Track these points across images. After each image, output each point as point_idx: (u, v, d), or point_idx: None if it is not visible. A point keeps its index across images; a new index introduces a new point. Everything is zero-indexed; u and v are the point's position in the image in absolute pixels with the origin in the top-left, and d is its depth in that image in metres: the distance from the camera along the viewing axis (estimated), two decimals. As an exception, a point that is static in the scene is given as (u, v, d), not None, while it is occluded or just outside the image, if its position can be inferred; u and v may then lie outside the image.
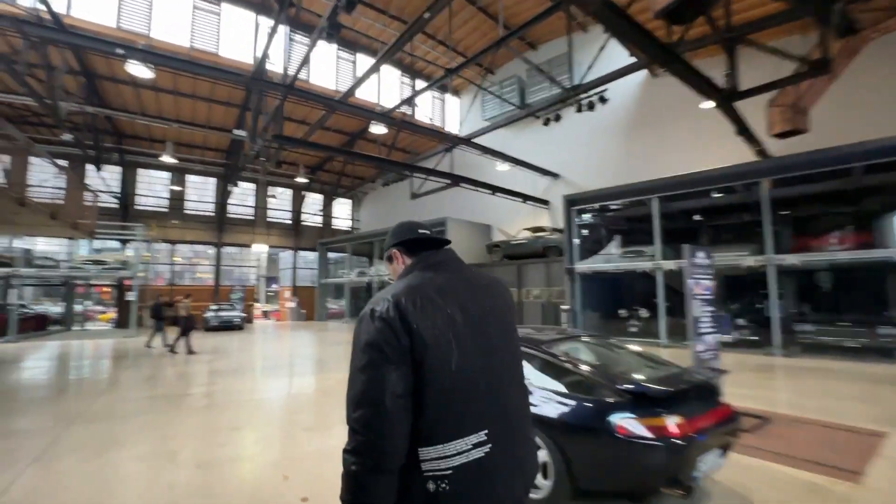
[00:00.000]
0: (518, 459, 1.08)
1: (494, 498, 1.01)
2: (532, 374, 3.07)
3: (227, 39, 13.87)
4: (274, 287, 43.00)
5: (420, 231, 1.30)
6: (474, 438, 1.00)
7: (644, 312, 12.93)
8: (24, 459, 3.68)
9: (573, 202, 13.30)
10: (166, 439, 4.24)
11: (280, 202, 24.00)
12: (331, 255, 24.67)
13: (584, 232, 13.86)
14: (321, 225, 25.50)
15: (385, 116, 11.02)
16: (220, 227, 21.67)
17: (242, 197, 22.92)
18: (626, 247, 13.25)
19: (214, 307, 18.49)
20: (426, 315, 1.02)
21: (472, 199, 19.36)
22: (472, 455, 0.99)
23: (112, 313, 19.93)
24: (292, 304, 23.44)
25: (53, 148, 16.85)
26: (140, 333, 15.44)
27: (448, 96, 20.51)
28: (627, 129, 15.22)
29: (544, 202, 16.75)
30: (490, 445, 1.01)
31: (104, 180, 18.32)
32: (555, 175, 16.54)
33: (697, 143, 13.58)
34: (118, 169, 19.29)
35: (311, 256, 25.29)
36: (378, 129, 11.55)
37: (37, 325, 15.70)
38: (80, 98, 13.21)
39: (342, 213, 26.96)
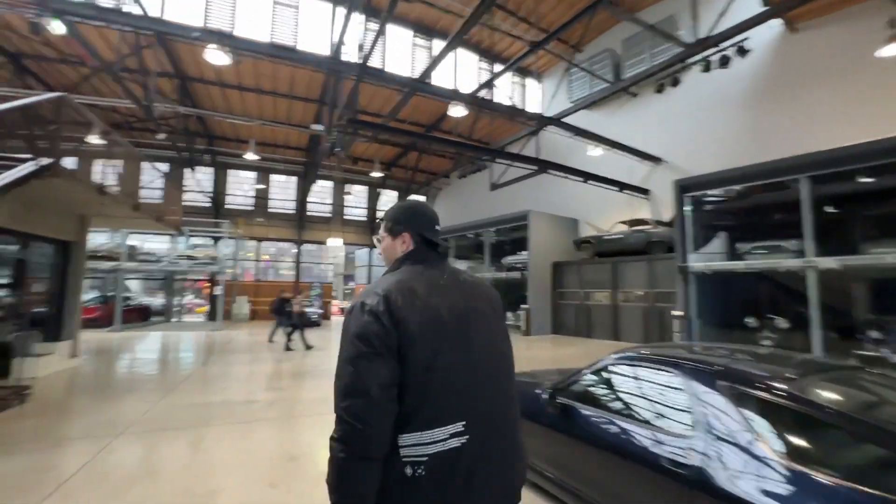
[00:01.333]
0: (499, 456, 1.09)
1: (470, 488, 1.02)
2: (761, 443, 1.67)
3: (305, 33, 13.67)
4: (351, 284, 44.25)
5: (436, 229, 1.30)
6: (451, 429, 1.03)
7: (781, 322, 10.44)
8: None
9: (686, 188, 11.13)
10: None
11: (356, 199, 24.04)
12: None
13: (699, 224, 11.56)
14: (395, 222, 25.17)
15: (465, 95, 9.87)
16: (300, 224, 22.13)
17: (321, 195, 23.27)
18: (757, 241, 10.83)
19: (294, 303, 18.72)
20: (414, 310, 1.07)
21: (554, 191, 17.62)
22: (448, 444, 1.02)
23: (206, 307, 21.16)
24: (367, 302, 23.31)
25: (154, 152, 18.10)
26: (226, 326, 15.95)
27: (529, 81, 18.94)
28: (752, 100, 12.58)
29: (644, 191, 14.56)
30: (467, 437, 1.04)
31: (198, 181, 19.38)
32: (657, 160, 14.29)
33: (852, 111, 10.73)
34: (210, 170, 20.35)
35: (386, 254, 25.06)
36: (457, 111, 10.45)
37: (140, 317, 16.87)
38: (173, 99, 13.74)
39: (416, 210, 26.47)
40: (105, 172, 7.22)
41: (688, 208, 11.08)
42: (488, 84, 12.32)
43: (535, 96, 18.99)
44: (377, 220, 24.17)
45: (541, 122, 10.98)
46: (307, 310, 17.74)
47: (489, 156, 11.40)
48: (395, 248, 1.26)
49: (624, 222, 14.16)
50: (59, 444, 3.81)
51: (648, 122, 14.81)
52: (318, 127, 14.93)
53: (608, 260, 13.82)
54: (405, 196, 25.11)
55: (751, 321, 11.08)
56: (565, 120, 11.81)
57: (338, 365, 1.05)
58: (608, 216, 15.70)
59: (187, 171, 19.42)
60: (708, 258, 10.98)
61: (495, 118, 16.01)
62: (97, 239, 17.38)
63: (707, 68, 9.48)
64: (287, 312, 10.99)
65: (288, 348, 10.25)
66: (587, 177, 12.91)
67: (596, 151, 13.59)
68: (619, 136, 14.00)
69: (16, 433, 4.07)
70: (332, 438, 1.00)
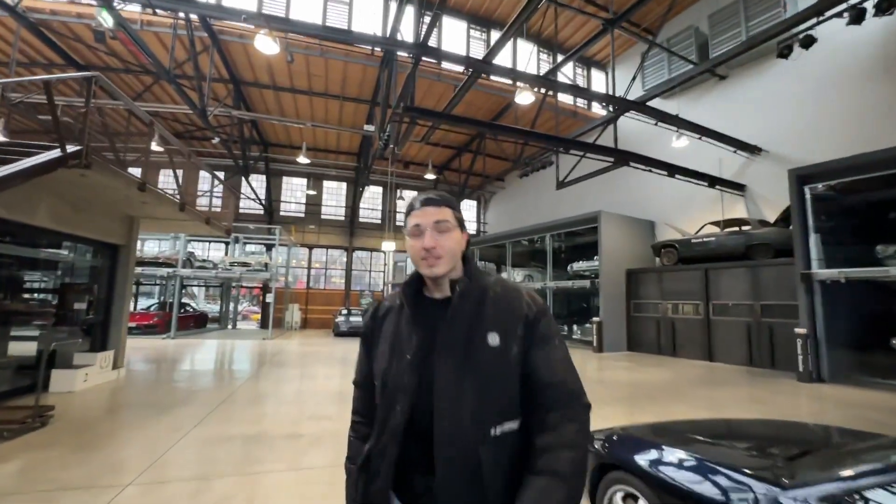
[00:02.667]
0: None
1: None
2: None
3: (358, 26, 13.08)
4: (399, 293, 43.81)
5: None
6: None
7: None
8: None
9: (806, 178, 9.16)
10: None
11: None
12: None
13: (822, 222, 9.46)
14: (447, 228, 24.19)
15: (531, 75, 8.61)
16: (350, 231, 21.71)
17: (372, 201, 22.79)
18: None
19: (344, 312, 18.13)
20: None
21: (624, 191, 15.86)
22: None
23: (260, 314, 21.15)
24: (418, 311, 22.39)
25: (212, 160, 18.31)
26: (277, 335, 15.54)
27: (594, 73, 17.37)
28: (881, 71, 10.30)
29: (738, 187, 12.52)
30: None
31: (253, 189, 19.43)
32: (754, 149, 12.23)
33: None
34: (264, 177, 20.41)
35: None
36: (523, 97, 9.21)
37: (197, 323, 16.90)
38: (227, 105, 13.57)
39: (468, 216, 25.39)
40: (149, 168, 6.66)
41: (810, 204, 9.09)
42: (552, 74, 11.02)
43: (599, 87, 17.36)
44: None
45: (620, 105, 9.45)
46: (356, 319, 17.11)
47: (561, 146, 10.00)
48: (462, 245, 1.09)
49: (715, 223, 12.19)
50: (42, 500, 2.94)
51: (741, 107, 12.79)
52: (370, 128, 14.29)
53: (698, 266, 11.89)
54: (457, 202, 24.09)
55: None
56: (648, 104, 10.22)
57: (564, 352, 1.04)
58: (690, 217, 13.73)
59: (243, 180, 19.54)
60: (837, 263, 8.88)
61: (560, 113, 14.63)
62: (158, 245, 17.78)
63: (854, 20, 7.54)
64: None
65: None
66: (673, 170, 11.16)
67: (681, 142, 11.79)
68: (706, 125, 12.09)
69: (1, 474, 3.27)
70: (579, 433, 0.95)
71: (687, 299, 12.16)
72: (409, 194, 22.89)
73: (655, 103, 11.13)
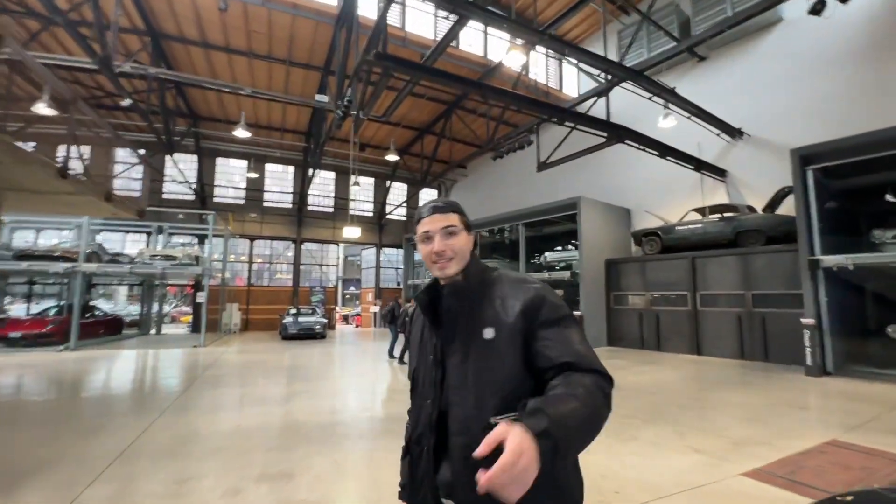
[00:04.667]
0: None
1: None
2: None
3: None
4: (351, 289, 41.46)
5: None
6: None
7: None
8: None
9: (809, 158, 8.58)
10: None
11: (363, 193, 21.31)
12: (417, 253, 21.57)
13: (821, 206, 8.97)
14: (405, 218, 22.52)
15: (526, 31, 7.22)
16: (298, 220, 19.39)
17: (323, 187, 20.55)
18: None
19: (292, 311, 15.97)
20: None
21: (599, 178, 15.08)
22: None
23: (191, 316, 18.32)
24: (376, 309, 20.59)
25: (128, 135, 15.32)
26: (211, 340, 13.15)
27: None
28: (870, 51, 10.05)
29: (720, 172, 12.02)
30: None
31: (181, 171, 16.58)
32: (737, 132, 11.76)
33: None
34: (195, 158, 17.56)
35: (394, 253, 22.40)
36: (513, 58, 7.83)
37: (109, 330, 14.03)
38: (142, 62, 11.03)
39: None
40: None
41: (812, 186, 8.53)
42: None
43: (572, 74, 16.46)
44: (385, 216, 21.48)
45: (617, 72, 8.32)
46: (305, 319, 15.06)
47: (555, 114, 8.72)
48: (470, 245, 1.15)
49: (698, 210, 11.61)
50: None
51: (722, 89, 12.29)
52: (323, 98, 12.29)
53: (684, 255, 11.23)
54: (416, 189, 22.47)
55: (893, 330, 8.54)
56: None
57: (578, 333, 1.03)
58: (668, 205, 13.14)
59: (167, 160, 16.63)
60: (833, 250, 8.39)
61: (533, 91, 13.47)
62: (52, 236, 14.63)
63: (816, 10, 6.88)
64: (402, 321, 9.94)
65: (402, 361, 9.24)
66: (665, 150, 10.32)
67: (668, 122, 11.02)
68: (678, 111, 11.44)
69: None
70: (602, 389, 0.92)
71: (672, 290, 11.49)
72: (366, 181, 20.92)
73: (629, 86, 10.24)
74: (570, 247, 15.50)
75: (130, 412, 5.28)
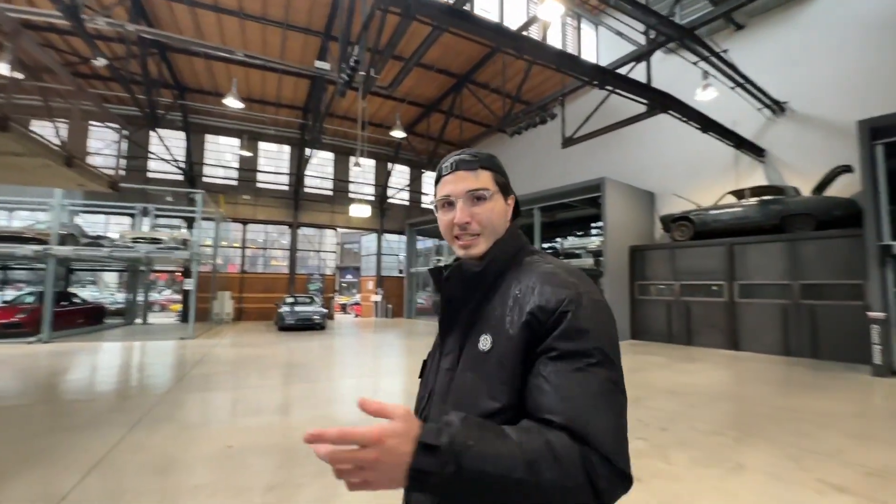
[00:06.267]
0: None
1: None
2: None
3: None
4: (348, 277, 40.35)
5: None
6: None
7: None
8: None
9: (880, 131, 7.57)
10: None
11: (363, 175, 20.10)
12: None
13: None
14: (408, 203, 21.38)
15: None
16: (295, 203, 18.19)
17: (321, 168, 19.31)
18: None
19: (289, 300, 14.89)
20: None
21: (620, 159, 14.06)
22: None
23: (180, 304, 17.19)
24: (377, 298, 19.55)
25: (110, 108, 13.99)
26: (201, 332, 12.05)
27: (584, 27, 15.18)
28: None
29: (758, 151, 11.01)
30: None
31: (167, 147, 15.28)
32: (778, 106, 10.72)
33: None
34: (182, 134, 16.25)
35: (396, 240, 21.29)
36: (550, 9, 6.69)
37: (89, 319, 12.90)
38: (116, 20, 9.72)
39: (432, 189, 22.66)
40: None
41: (883, 164, 7.54)
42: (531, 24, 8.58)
43: (590, 45, 15.27)
44: (387, 199, 20.30)
45: (665, 29, 7.20)
46: (303, 309, 14.02)
47: (597, 76, 7.56)
48: (506, 215, 0.86)
49: (736, 192, 10.62)
50: None
51: (761, 61, 11.19)
52: (324, 65, 11.06)
53: (721, 241, 10.27)
54: (420, 172, 21.29)
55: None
56: (626, 73, 8.07)
57: (600, 384, 0.66)
58: (697, 188, 12.15)
59: (152, 135, 15.34)
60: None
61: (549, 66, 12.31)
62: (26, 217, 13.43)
63: None
64: None
65: None
66: (707, 124, 9.28)
67: (707, 94, 9.94)
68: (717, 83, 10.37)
69: None
70: (591, 473, 0.61)
71: (706, 279, 10.54)
72: (367, 163, 19.70)
73: (659, 60, 9.10)
74: (589, 233, 14.54)
75: (91, 426, 4.22)
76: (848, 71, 9.87)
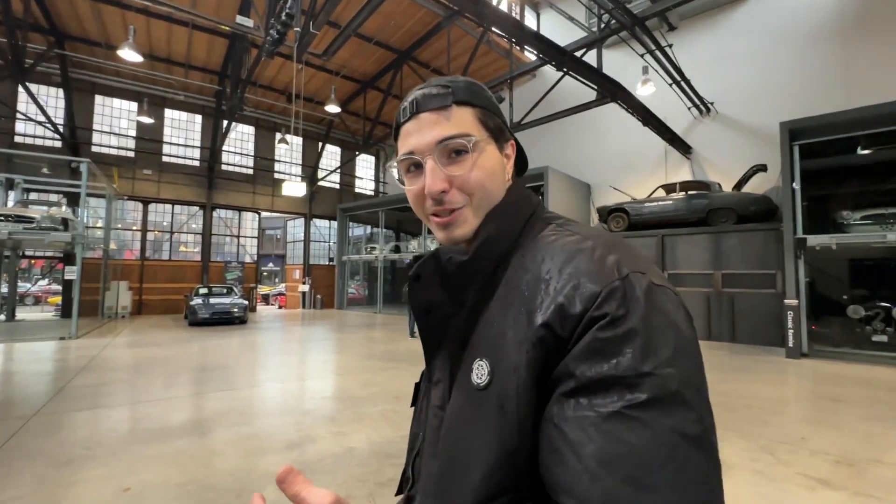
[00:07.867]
0: None
1: None
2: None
3: None
4: (270, 266, 37.50)
5: None
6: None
7: (897, 312, 8.19)
8: None
9: (799, 133, 8.22)
10: None
11: (291, 154, 18.39)
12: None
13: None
14: (339, 186, 20.06)
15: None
16: (209, 182, 16.10)
17: (240, 143, 17.29)
18: (868, 209, 8.42)
19: (202, 291, 13.13)
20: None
21: (558, 151, 14.25)
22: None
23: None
24: (305, 288, 18.14)
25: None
26: (87, 329, 10.07)
27: (528, 19, 15.04)
28: (839, 33, 10.02)
29: (686, 148, 11.68)
30: None
31: (39, 104, 12.51)
32: (706, 107, 11.42)
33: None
34: (61, 93, 13.47)
35: (325, 225, 19.92)
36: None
37: (-72, 316, 10.21)
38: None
39: (365, 173, 21.49)
40: None
41: (799, 163, 8.21)
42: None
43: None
44: (317, 181, 18.82)
45: (620, 15, 7.09)
46: (220, 301, 12.43)
47: (556, 57, 7.24)
48: (503, 171, 0.58)
49: (666, 186, 11.17)
50: None
51: (690, 62, 11.78)
52: (247, 21, 9.63)
53: (654, 233, 10.73)
54: (352, 154, 20.03)
55: (854, 311, 8.72)
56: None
57: (657, 441, 0.37)
58: (628, 182, 12.69)
59: (19, 90, 12.49)
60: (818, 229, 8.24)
61: (496, 49, 11.97)
62: None
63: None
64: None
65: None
66: (648, 117, 9.52)
67: (647, 89, 10.24)
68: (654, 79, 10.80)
69: None
70: None
71: (639, 269, 10.99)
72: (295, 140, 18.03)
73: (592, 55, 9.21)
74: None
75: None
76: (770, 77, 10.72)
